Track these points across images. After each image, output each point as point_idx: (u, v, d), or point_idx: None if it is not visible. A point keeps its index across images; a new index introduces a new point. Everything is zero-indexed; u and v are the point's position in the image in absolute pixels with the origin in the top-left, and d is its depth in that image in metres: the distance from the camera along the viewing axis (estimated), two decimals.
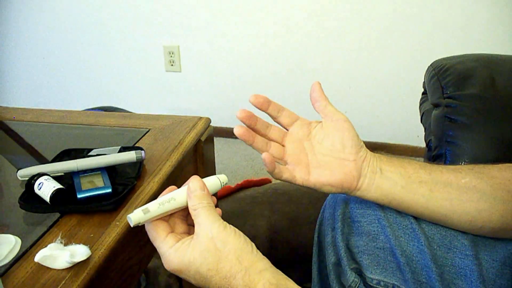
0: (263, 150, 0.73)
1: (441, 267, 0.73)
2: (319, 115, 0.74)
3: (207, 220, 0.63)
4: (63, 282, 0.61)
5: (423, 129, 2.34)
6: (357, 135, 0.72)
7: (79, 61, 2.96)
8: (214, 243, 0.61)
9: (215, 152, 1.14)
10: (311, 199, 1.57)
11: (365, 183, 0.72)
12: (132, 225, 0.62)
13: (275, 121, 0.75)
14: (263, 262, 0.62)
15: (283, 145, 0.75)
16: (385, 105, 2.52)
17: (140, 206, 0.64)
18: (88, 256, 0.63)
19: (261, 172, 2.22)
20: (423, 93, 1.24)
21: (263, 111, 0.74)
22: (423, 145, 2.49)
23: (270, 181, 1.80)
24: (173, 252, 0.62)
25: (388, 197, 0.72)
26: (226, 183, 0.71)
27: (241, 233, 0.64)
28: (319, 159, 0.73)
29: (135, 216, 0.62)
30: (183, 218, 0.69)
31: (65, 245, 0.66)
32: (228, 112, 2.52)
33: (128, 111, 2.11)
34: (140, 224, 0.63)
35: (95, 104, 2.32)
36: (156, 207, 0.64)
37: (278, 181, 1.09)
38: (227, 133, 2.48)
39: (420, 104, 1.24)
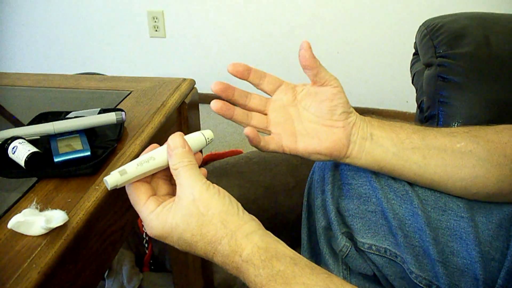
0: (244, 122, 0.69)
1: (435, 230, 0.70)
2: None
3: (188, 180, 0.59)
4: (39, 249, 0.57)
5: (412, 94, 2.33)
6: (347, 101, 0.69)
7: (60, 27, 2.88)
8: (197, 206, 0.58)
9: (201, 119, 1.10)
10: (288, 167, 1.53)
11: (354, 150, 0.69)
12: (109, 188, 0.58)
13: (257, 88, 0.71)
14: (251, 224, 0.59)
15: (265, 114, 0.71)
16: (374, 70, 2.49)
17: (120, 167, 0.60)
18: (65, 221, 0.60)
19: None
20: (414, 54, 1.21)
21: (244, 80, 0.69)
22: (413, 110, 2.50)
23: (241, 152, 1.73)
24: (154, 217, 0.59)
25: (379, 164, 0.70)
26: (211, 140, 0.67)
27: (226, 192, 0.60)
28: (306, 127, 0.69)
29: (111, 179, 0.58)
30: (166, 178, 0.65)
31: (41, 210, 0.62)
32: (214, 78, 2.45)
33: None
34: (117, 187, 0.59)
35: (76, 71, 2.26)
36: (134, 168, 0.59)
37: (254, 150, 1.06)
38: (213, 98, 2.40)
39: (411, 65, 1.20)
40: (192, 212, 0.58)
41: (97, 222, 0.68)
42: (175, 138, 0.62)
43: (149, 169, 0.60)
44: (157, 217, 0.59)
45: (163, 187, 0.64)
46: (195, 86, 1.05)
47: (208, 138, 0.66)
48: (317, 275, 0.55)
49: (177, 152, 0.61)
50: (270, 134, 0.70)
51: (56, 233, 0.59)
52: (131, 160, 0.61)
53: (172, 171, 0.61)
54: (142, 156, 0.61)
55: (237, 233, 0.57)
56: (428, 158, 0.68)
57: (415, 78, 1.13)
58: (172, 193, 0.64)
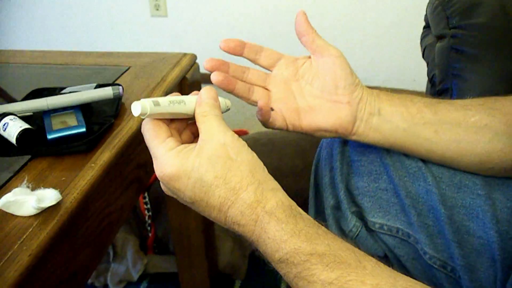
0: (245, 97, 0.66)
1: (450, 209, 0.67)
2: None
3: (220, 127, 0.55)
4: (30, 230, 0.54)
5: (419, 72, 2.27)
6: (352, 72, 0.65)
7: (59, 6, 2.83)
8: (226, 150, 0.53)
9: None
10: (297, 149, 1.48)
11: (361, 127, 0.65)
12: (137, 114, 0.53)
13: (255, 64, 0.67)
14: (275, 183, 0.55)
15: (267, 89, 0.67)
16: (379, 47, 2.44)
17: (117, 145, 0.56)
18: (58, 200, 0.56)
19: (252, 119, 2.15)
20: (424, 27, 1.16)
21: (238, 56, 0.66)
22: (420, 89, 2.44)
23: (247, 132, 1.69)
24: (173, 155, 0.54)
25: (388, 141, 0.66)
26: (229, 109, 0.63)
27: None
28: (310, 102, 0.66)
29: (144, 104, 0.53)
30: (179, 131, 0.60)
31: (33, 189, 0.58)
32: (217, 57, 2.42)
33: None
34: (144, 116, 0.54)
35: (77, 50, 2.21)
36: (167, 103, 0.55)
37: (256, 131, 1.02)
38: None
39: (422, 39, 1.16)
40: (220, 154, 0.53)
41: (93, 202, 0.65)
42: (210, 91, 0.58)
43: (178, 111, 0.56)
44: (178, 154, 0.54)
45: (176, 138, 0.58)
46: (196, 61, 1.01)
47: (227, 107, 0.62)
48: (341, 241, 0.51)
49: (209, 101, 0.57)
50: (272, 110, 0.67)
51: (48, 213, 0.56)
52: (128, 137, 0.57)
53: (199, 117, 0.56)
54: (175, 96, 0.57)
55: (264, 184, 0.53)
56: (441, 133, 0.64)
57: (426, 52, 1.08)
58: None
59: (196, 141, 0.56)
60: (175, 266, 1.36)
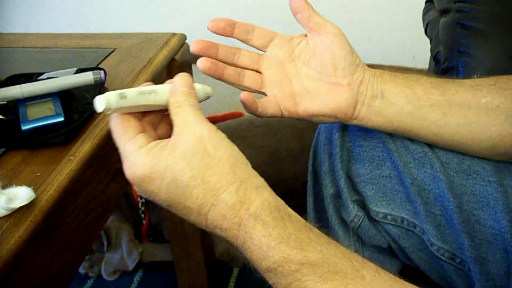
0: (236, 83, 0.61)
1: (459, 196, 0.63)
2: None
3: (195, 118, 0.50)
4: (0, 233, 0.49)
5: (419, 48, 2.21)
6: (352, 51, 0.60)
7: None
8: (203, 145, 0.48)
9: (196, 80, 1.01)
10: (293, 131, 1.44)
11: (363, 111, 0.61)
12: (100, 110, 0.48)
13: (247, 45, 0.63)
14: (260, 180, 0.50)
15: (259, 72, 0.63)
16: (377, 23, 2.38)
17: (99, 135, 0.50)
18: (30, 199, 0.51)
19: None
20: (427, 1, 1.11)
21: (228, 36, 0.61)
22: (420, 65, 2.39)
23: (242, 114, 1.65)
24: (143, 153, 0.48)
25: (392, 125, 0.62)
26: (210, 97, 0.58)
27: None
28: (307, 85, 0.61)
29: (108, 98, 0.47)
30: (153, 124, 0.55)
31: (4, 187, 0.53)
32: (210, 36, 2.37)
33: None
34: (110, 112, 0.49)
35: (63, 31, 2.15)
36: (135, 95, 0.49)
37: None
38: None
39: (424, 14, 1.10)
40: (196, 150, 0.48)
41: (74, 197, 0.60)
42: (184, 77, 0.53)
43: (149, 103, 0.51)
44: (148, 152, 0.48)
45: (150, 133, 0.53)
46: (186, 41, 0.96)
47: (207, 94, 0.57)
48: (336, 247, 0.47)
49: (183, 89, 0.52)
50: (265, 95, 0.62)
51: (21, 214, 0.51)
52: None
53: (172, 109, 0.51)
54: (145, 86, 0.51)
55: (247, 182, 0.48)
56: (449, 116, 0.60)
57: (429, 28, 1.03)
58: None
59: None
60: (170, 254, 1.32)
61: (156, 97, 0.51)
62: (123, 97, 0.48)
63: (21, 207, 0.51)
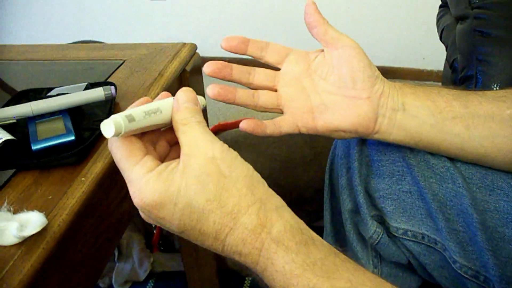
0: (250, 105, 0.59)
1: (482, 213, 0.61)
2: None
3: (204, 136, 0.47)
4: (11, 263, 0.47)
5: (428, 50, 2.18)
6: (371, 63, 0.58)
7: None
8: (217, 165, 0.45)
9: (205, 86, 0.99)
10: (306, 138, 1.42)
11: (384, 124, 0.59)
12: (109, 136, 0.45)
13: (261, 62, 0.61)
14: (279, 199, 0.48)
15: (275, 90, 0.61)
16: (387, 25, 2.36)
17: (110, 154, 0.48)
18: (43, 226, 0.49)
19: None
20: (441, 6, 1.08)
21: (242, 54, 0.59)
22: (430, 67, 2.37)
23: None
24: (154, 177, 0.45)
25: (414, 139, 0.60)
26: (204, 107, 0.55)
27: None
28: (325, 100, 0.59)
29: (117, 122, 0.44)
30: (152, 142, 0.52)
31: (15, 212, 0.51)
32: (218, 41, 2.35)
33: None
34: (119, 135, 0.46)
35: (72, 39, 2.14)
36: (142, 116, 0.46)
37: (263, 118, 0.96)
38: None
39: (438, 19, 1.08)
40: (210, 172, 0.45)
41: (86, 219, 0.58)
42: (187, 92, 0.50)
43: (155, 123, 0.48)
44: (159, 177, 0.45)
45: (152, 154, 0.50)
46: (196, 51, 0.94)
47: (201, 105, 0.54)
48: (363, 273, 0.44)
49: (188, 105, 0.49)
50: (282, 113, 0.61)
51: (33, 241, 0.49)
52: None
53: (178, 126, 0.48)
54: (148, 105, 0.48)
55: (267, 203, 0.46)
56: (473, 128, 0.58)
57: (444, 34, 1.01)
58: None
59: (177, 154, 0.48)
60: (182, 264, 1.31)
61: (161, 115, 0.48)
62: (131, 119, 0.45)
63: (33, 234, 0.49)
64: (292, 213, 0.47)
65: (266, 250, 0.44)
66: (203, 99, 0.54)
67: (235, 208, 0.45)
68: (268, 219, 0.45)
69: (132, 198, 0.46)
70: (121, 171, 0.48)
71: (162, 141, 0.53)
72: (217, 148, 0.46)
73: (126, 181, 0.47)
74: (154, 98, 0.72)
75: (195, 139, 0.47)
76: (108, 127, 0.45)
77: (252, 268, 0.46)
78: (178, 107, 0.49)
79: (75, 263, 0.57)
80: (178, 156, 0.47)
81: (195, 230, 0.46)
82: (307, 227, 0.47)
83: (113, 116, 0.45)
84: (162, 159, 0.51)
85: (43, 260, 0.48)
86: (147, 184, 0.45)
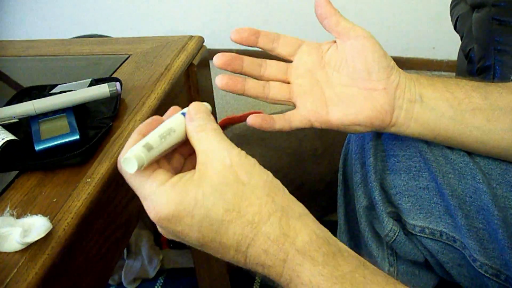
0: (261, 96, 0.58)
1: (503, 210, 0.59)
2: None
3: (222, 143, 0.45)
4: (15, 270, 0.45)
5: (438, 40, 2.14)
6: (385, 53, 0.56)
7: None
8: (235, 173, 0.43)
9: (212, 79, 0.97)
10: (316, 130, 1.39)
11: (401, 117, 0.57)
12: (133, 171, 0.43)
13: (272, 54, 0.59)
14: (301, 206, 0.46)
15: (288, 82, 0.59)
16: (396, 13, 2.32)
17: (120, 153, 0.46)
18: (47, 231, 0.47)
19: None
20: None
21: (252, 46, 0.57)
22: (439, 57, 2.34)
23: (260, 114, 1.60)
24: (167, 189, 0.43)
25: (432, 132, 0.58)
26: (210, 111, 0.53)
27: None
28: (339, 92, 0.57)
29: (138, 157, 0.42)
30: (167, 157, 0.50)
31: (18, 217, 0.49)
32: (226, 32, 2.32)
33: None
34: (141, 168, 0.44)
35: (76, 33, 2.12)
36: (158, 141, 0.44)
37: (271, 111, 0.94)
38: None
39: (452, 8, 1.05)
40: (228, 180, 0.43)
41: (92, 222, 0.56)
42: (199, 105, 0.48)
43: (171, 145, 0.46)
44: (173, 188, 0.43)
45: (165, 168, 0.48)
46: (204, 44, 0.91)
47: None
48: (394, 285, 0.42)
49: (201, 115, 0.47)
50: (294, 107, 0.59)
51: (37, 246, 0.47)
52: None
53: (193, 135, 0.46)
54: (161, 127, 0.46)
55: (288, 210, 0.44)
56: (493, 121, 0.56)
57: (459, 23, 0.97)
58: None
59: (192, 166, 0.46)
60: (192, 261, 1.29)
61: (175, 135, 0.46)
62: (149, 148, 0.44)
63: (37, 240, 0.47)
64: (316, 221, 0.45)
65: (291, 262, 0.42)
66: (208, 105, 0.52)
67: (256, 217, 0.43)
68: (291, 228, 0.43)
69: (148, 214, 0.45)
70: (133, 189, 0.46)
71: (175, 154, 0.50)
72: (235, 155, 0.44)
73: (140, 198, 0.46)
74: (159, 99, 0.71)
75: (211, 146, 0.45)
76: (131, 163, 0.43)
77: (276, 281, 0.44)
78: (192, 117, 0.47)
79: (83, 268, 0.55)
80: (193, 167, 0.46)
81: (215, 242, 0.44)
82: (333, 237, 0.45)
83: (132, 150, 0.43)
84: (178, 172, 0.49)
85: (48, 267, 0.46)
86: (161, 197, 0.43)
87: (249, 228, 0.43)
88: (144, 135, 0.46)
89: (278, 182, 0.46)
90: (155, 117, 0.49)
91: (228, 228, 0.43)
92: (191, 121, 0.47)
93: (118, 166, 0.46)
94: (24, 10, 2.87)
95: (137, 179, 0.45)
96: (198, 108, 0.48)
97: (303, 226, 0.43)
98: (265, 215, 0.43)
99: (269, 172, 0.46)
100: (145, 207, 0.45)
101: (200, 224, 0.43)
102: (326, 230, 0.45)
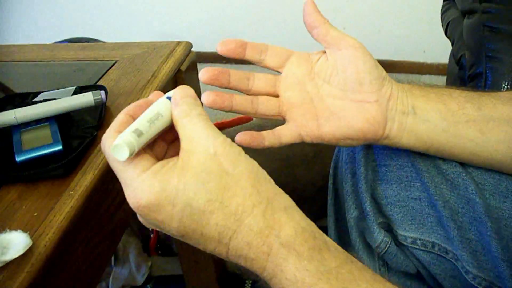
0: (249, 112, 0.56)
1: (496, 221, 0.58)
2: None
3: (205, 130, 0.43)
4: None
5: (429, 43, 2.14)
6: (377, 64, 0.55)
7: None
8: (219, 162, 0.42)
9: (201, 84, 0.95)
10: None
11: (394, 129, 0.56)
12: (124, 158, 0.41)
13: (260, 66, 0.57)
14: (287, 198, 0.45)
15: (276, 96, 0.57)
16: (386, 17, 2.31)
17: (101, 164, 0.44)
18: (27, 248, 0.45)
19: None
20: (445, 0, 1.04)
21: (240, 58, 0.55)
22: (430, 61, 2.34)
23: (251, 119, 1.59)
24: (149, 177, 0.42)
25: (425, 144, 0.57)
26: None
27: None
28: (330, 105, 0.56)
29: (129, 142, 0.41)
30: (149, 146, 0.48)
31: None
32: (214, 35, 2.31)
33: (102, 42, 1.89)
34: (133, 155, 0.42)
35: (63, 36, 2.09)
36: (147, 126, 0.43)
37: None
38: (216, 58, 2.25)
39: (443, 13, 1.04)
40: (211, 169, 0.41)
41: (75, 236, 0.54)
42: (185, 88, 0.47)
43: (159, 129, 0.45)
44: (154, 175, 0.42)
45: (149, 154, 0.46)
46: (192, 49, 0.90)
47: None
48: (382, 284, 0.41)
49: (187, 100, 0.45)
50: (283, 120, 0.57)
51: (16, 264, 0.45)
52: None
53: (178, 120, 0.44)
54: (148, 112, 0.45)
55: (274, 202, 0.43)
56: (487, 132, 0.56)
57: (450, 29, 0.97)
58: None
59: (176, 152, 0.44)
60: (180, 268, 1.28)
61: (163, 119, 0.45)
62: (139, 134, 0.42)
63: (16, 257, 0.45)
64: (303, 214, 0.44)
65: (274, 256, 0.41)
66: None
67: (239, 208, 0.42)
68: (276, 220, 0.42)
69: (128, 200, 0.43)
70: (115, 173, 0.45)
71: (158, 140, 0.49)
72: (219, 143, 0.43)
73: (121, 183, 0.44)
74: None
75: (196, 133, 0.43)
76: (120, 149, 0.41)
77: (259, 275, 0.43)
78: (177, 102, 0.45)
79: (67, 281, 0.53)
80: (177, 154, 0.44)
81: (196, 233, 0.42)
82: (319, 231, 0.43)
83: (122, 137, 0.41)
84: (160, 158, 0.47)
85: (27, 285, 0.44)
86: (142, 184, 0.42)
87: (232, 219, 0.41)
88: (132, 117, 0.44)
89: (264, 172, 0.44)
90: (145, 99, 0.48)
91: (210, 219, 0.41)
92: (176, 106, 0.45)
93: (102, 147, 0.45)
94: (10, 13, 2.84)
95: (120, 163, 0.43)
96: (184, 92, 0.46)
97: (288, 218, 0.42)
98: (249, 206, 0.42)
99: (254, 162, 0.44)
100: (125, 194, 0.43)
101: (181, 214, 0.42)
102: (312, 223, 0.43)
